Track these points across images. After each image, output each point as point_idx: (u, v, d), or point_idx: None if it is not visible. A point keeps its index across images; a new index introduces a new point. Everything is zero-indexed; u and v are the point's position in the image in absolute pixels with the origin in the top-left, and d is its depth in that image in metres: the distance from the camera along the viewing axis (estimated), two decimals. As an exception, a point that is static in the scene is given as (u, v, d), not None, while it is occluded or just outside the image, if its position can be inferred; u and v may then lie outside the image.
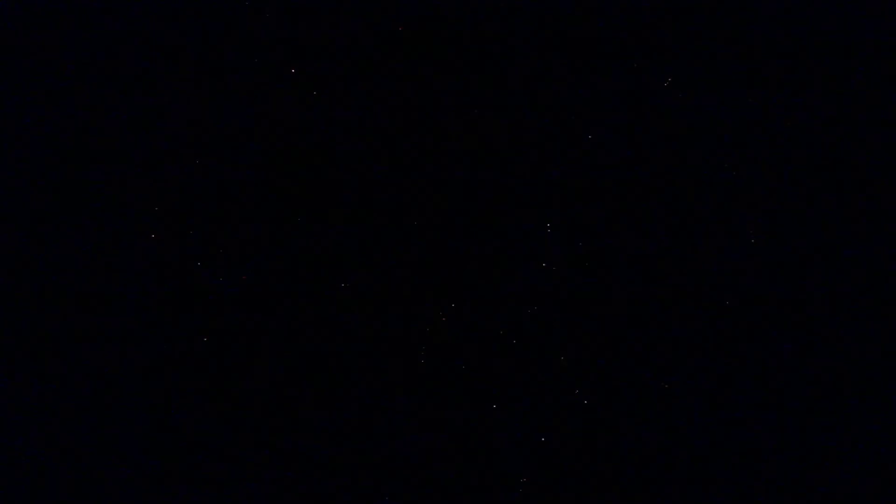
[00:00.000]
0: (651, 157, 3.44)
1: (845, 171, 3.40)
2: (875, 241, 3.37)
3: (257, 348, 3.40)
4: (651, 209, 3.42)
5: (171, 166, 3.45)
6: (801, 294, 3.37)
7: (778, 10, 3.43)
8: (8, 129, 3.44)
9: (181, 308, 3.40)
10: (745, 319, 3.37)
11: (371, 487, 3.35)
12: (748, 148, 3.42)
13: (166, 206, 3.43)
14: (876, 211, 3.37)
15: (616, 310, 3.41)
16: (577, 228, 3.43)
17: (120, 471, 3.34)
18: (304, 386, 3.40)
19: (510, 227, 3.45)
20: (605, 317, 3.41)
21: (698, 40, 3.45)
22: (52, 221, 3.41)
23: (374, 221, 3.46)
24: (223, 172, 3.45)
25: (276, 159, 3.47)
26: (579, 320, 3.41)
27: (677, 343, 3.38)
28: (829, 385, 3.34)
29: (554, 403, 3.40)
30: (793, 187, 3.40)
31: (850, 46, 3.42)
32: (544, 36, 3.48)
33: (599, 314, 3.41)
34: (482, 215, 3.45)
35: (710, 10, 3.45)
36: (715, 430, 3.35)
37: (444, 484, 3.36)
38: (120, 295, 3.39)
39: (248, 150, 3.47)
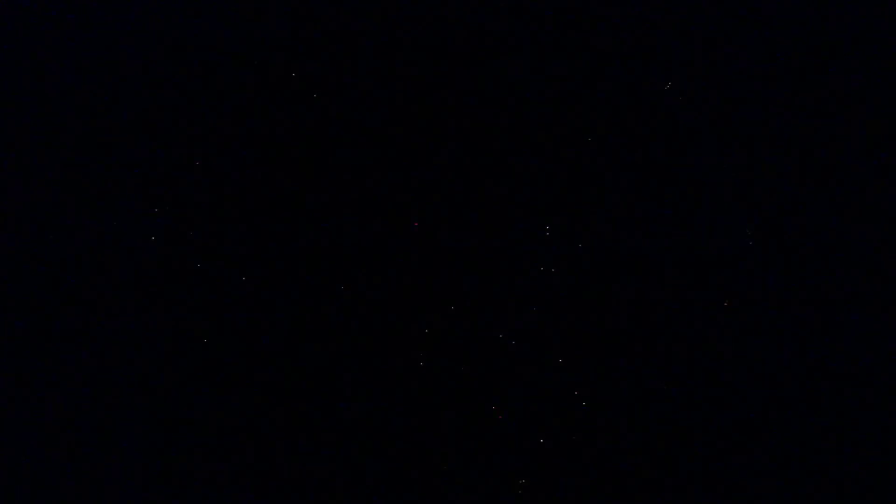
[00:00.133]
0: (651, 160, 3.45)
1: (845, 171, 3.41)
2: (875, 241, 3.37)
3: (257, 350, 3.40)
4: (651, 212, 3.43)
5: (171, 166, 3.45)
6: (800, 294, 3.37)
7: (778, 12, 3.45)
8: (8, 129, 3.44)
9: (181, 308, 3.40)
10: (744, 320, 3.37)
11: (371, 488, 3.35)
12: (748, 150, 3.43)
13: (166, 206, 3.44)
14: (876, 211, 3.38)
15: (615, 311, 3.41)
16: (577, 230, 3.44)
17: (120, 471, 3.34)
18: (303, 388, 3.39)
19: (510, 228, 3.45)
20: (604, 318, 3.41)
21: (699, 43, 3.47)
22: (51, 222, 3.41)
23: (373, 223, 3.46)
24: (223, 173, 3.46)
25: (276, 161, 3.48)
26: (578, 322, 3.41)
27: (676, 344, 3.38)
28: (828, 385, 3.34)
29: (552, 405, 3.39)
30: (793, 189, 3.41)
31: (850, 46, 3.44)
32: (544, 37, 3.49)
33: (598, 315, 3.41)
34: (482, 216, 3.46)
35: (710, 11, 3.47)
36: (715, 430, 3.35)
37: (444, 485, 3.36)
38: (120, 295, 3.39)
39: (248, 152, 3.47)
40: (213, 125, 3.47)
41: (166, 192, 3.44)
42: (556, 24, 3.50)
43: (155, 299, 3.40)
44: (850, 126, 3.42)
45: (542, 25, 3.49)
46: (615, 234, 3.43)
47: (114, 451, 3.35)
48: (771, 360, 3.36)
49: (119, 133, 3.46)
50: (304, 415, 3.38)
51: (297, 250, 3.44)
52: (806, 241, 3.39)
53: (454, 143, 3.48)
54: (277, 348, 3.40)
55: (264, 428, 3.37)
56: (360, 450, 3.37)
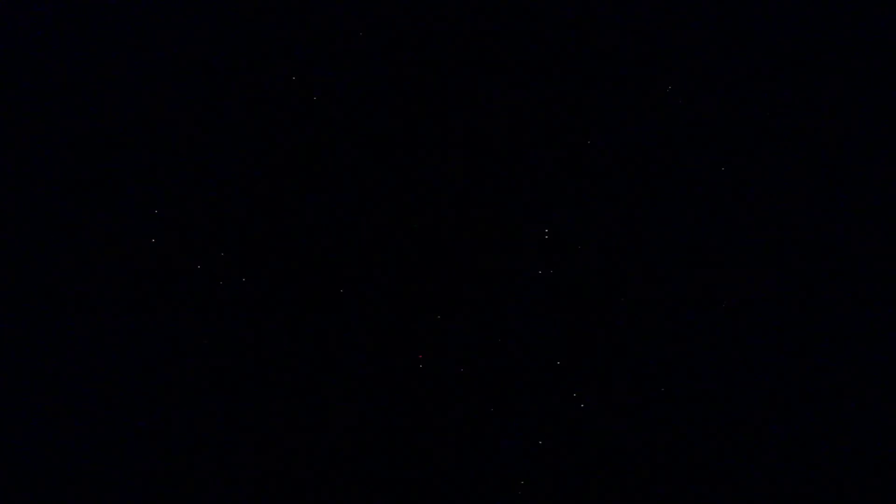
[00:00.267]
0: (651, 163, 3.45)
1: (846, 172, 3.41)
2: (876, 241, 3.37)
3: (257, 350, 3.40)
4: (651, 214, 3.43)
5: (171, 167, 3.45)
6: (800, 294, 3.37)
7: (779, 14, 3.45)
8: (8, 129, 3.44)
9: (181, 308, 3.40)
10: (744, 321, 3.37)
11: (371, 488, 3.35)
12: (748, 153, 3.43)
13: (166, 206, 3.44)
14: (877, 211, 3.39)
15: (614, 312, 3.41)
16: (577, 232, 3.44)
17: (120, 471, 3.34)
18: (302, 389, 3.39)
19: (509, 229, 3.45)
20: (603, 318, 3.41)
21: (699, 45, 3.47)
22: (52, 221, 3.41)
23: (373, 223, 3.46)
24: (223, 174, 3.46)
25: (276, 162, 3.48)
26: (577, 322, 3.41)
27: (676, 345, 3.38)
28: (829, 385, 3.34)
29: (552, 406, 3.39)
30: (793, 190, 3.41)
31: (850, 47, 3.44)
32: (544, 39, 3.49)
33: (598, 316, 3.41)
34: (481, 217, 3.46)
35: (710, 13, 3.47)
36: (714, 431, 3.35)
37: (444, 486, 3.36)
38: (120, 296, 3.39)
39: (248, 152, 3.47)
40: (214, 125, 3.47)
41: (166, 192, 3.44)
42: (557, 24, 3.50)
43: (155, 300, 3.40)
44: (850, 126, 3.42)
45: (543, 26, 3.49)
46: (615, 235, 3.43)
47: (114, 451, 3.35)
48: (771, 360, 3.36)
49: (119, 133, 3.46)
50: (303, 415, 3.38)
51: (297, 251, 3.44)
52: (806, 241, 3.39)
53: (454, 144, 3.48)
54: (277, 348, 3.40)
55: (264, 428, 3.37)
56: (360, 450, 3.37)
